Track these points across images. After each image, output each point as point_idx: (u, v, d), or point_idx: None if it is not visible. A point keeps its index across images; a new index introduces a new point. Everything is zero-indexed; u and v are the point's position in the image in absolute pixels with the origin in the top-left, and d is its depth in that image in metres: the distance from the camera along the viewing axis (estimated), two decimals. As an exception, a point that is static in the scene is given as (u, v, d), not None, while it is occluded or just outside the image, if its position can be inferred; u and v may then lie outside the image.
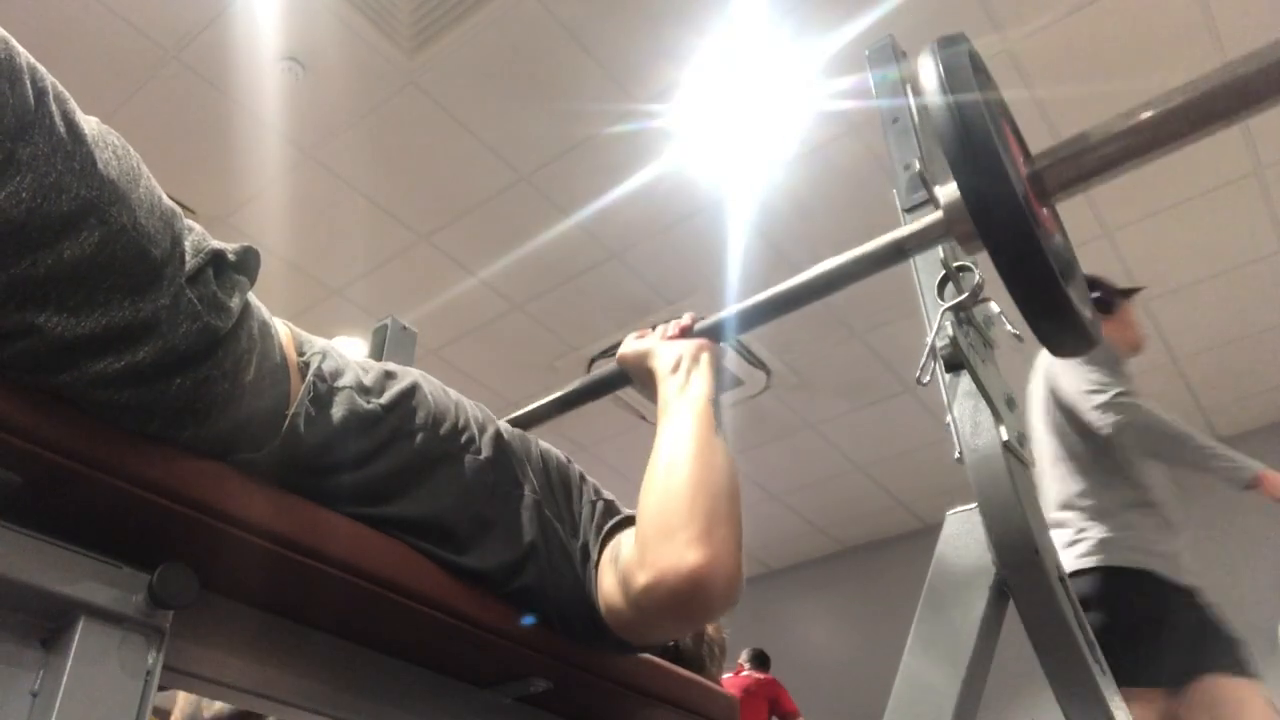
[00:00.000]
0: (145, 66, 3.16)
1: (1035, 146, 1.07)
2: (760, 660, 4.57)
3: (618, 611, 0.88)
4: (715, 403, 0.97)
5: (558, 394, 1.33)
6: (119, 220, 0.67)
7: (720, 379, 1.03)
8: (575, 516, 1.01)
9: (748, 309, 1.13)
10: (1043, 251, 0.87)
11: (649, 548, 0.81)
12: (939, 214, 1.01)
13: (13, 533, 0.64)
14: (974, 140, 0.87)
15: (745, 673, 4.45)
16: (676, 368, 1.02)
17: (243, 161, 3.51)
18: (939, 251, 1.18)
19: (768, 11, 2.99)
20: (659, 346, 1.08)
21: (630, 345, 1.13)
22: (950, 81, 0.90)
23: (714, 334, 1.12)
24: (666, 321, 1.15)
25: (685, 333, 1.12)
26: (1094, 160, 0.99)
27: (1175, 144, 0.94)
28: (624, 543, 0.92)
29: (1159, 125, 0.96)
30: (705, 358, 1.04)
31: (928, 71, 0.93)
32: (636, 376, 1.13)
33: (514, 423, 1.29)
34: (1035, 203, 0.94)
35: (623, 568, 0.87)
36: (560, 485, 1.03)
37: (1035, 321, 0.92)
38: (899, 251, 1.06)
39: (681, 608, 0.79)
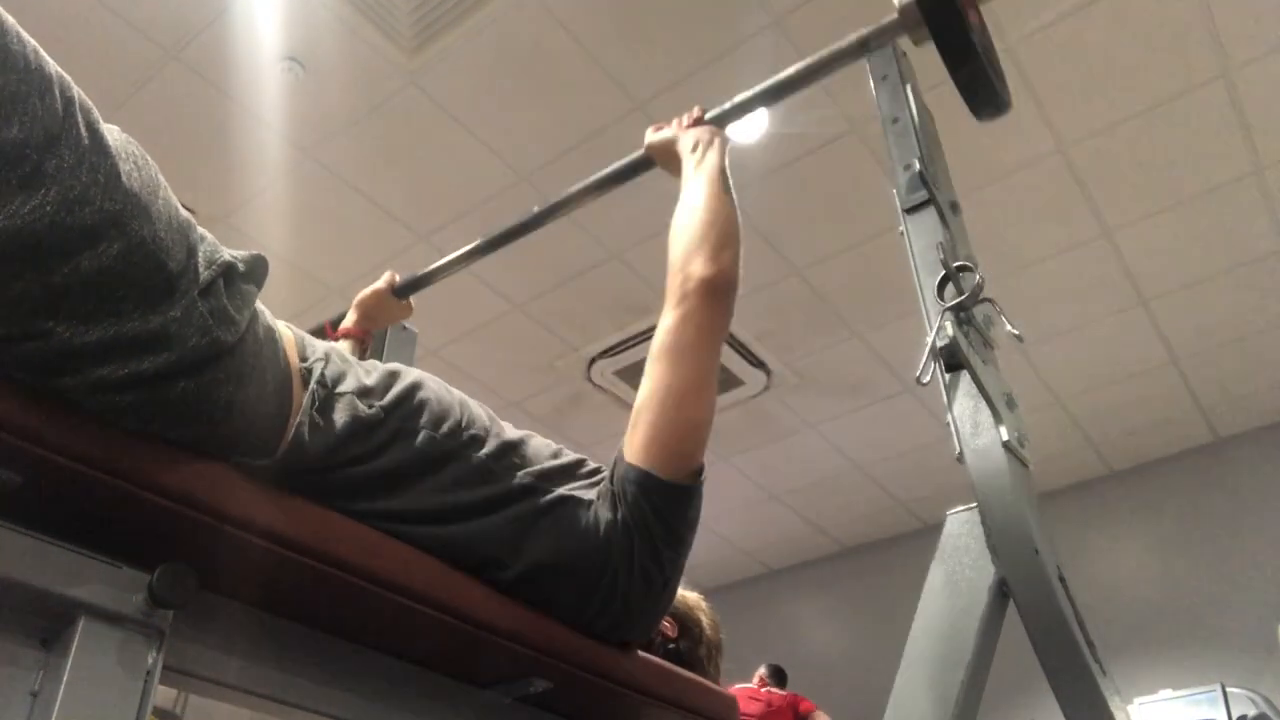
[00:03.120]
0: (145, 66, 3.16)
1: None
2: (779, 677, 4.52)
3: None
4: (725, 173, 1.21)
5: (590, 179, 1.54)
6: (139, 233, 0.67)
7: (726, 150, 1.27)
8: (589, 475, 1.03)
9: (741, 101, 1.35)
10: (969, 33, 1.18)
11: (684, 263, 1.07)
12: (894, 14, 1.24)
13: (13, 533, 0.64)
14: None
15: (766, 689, 4.38)
16: (695, 147, 1.26)
17: (243, 161, 3.51)
18: (939, 252, 1.18)
19: (768, 11, 2.99)
20: (680, 133, 1.31)
21: (654, 135, 1.36)
22: None
23: (720, 121, 1.34)
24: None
25: (697, 122, 1.34)
26: None
27: None
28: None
29: None
30: (718, 140, 1.27)
31: None
32: (661, 160, 1.36)
33: (549, 208, 1.61)
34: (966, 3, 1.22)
35: (670, 295, 1.07)
36: (563, 472, 1.04)
37: (963, 87, 1.22)
38: (861, 45, 1.29)
39: (714, 293, 1.05)
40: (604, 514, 0.96)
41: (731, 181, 1.21)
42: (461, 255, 1.71)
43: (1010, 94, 1.31)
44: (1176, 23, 3.02)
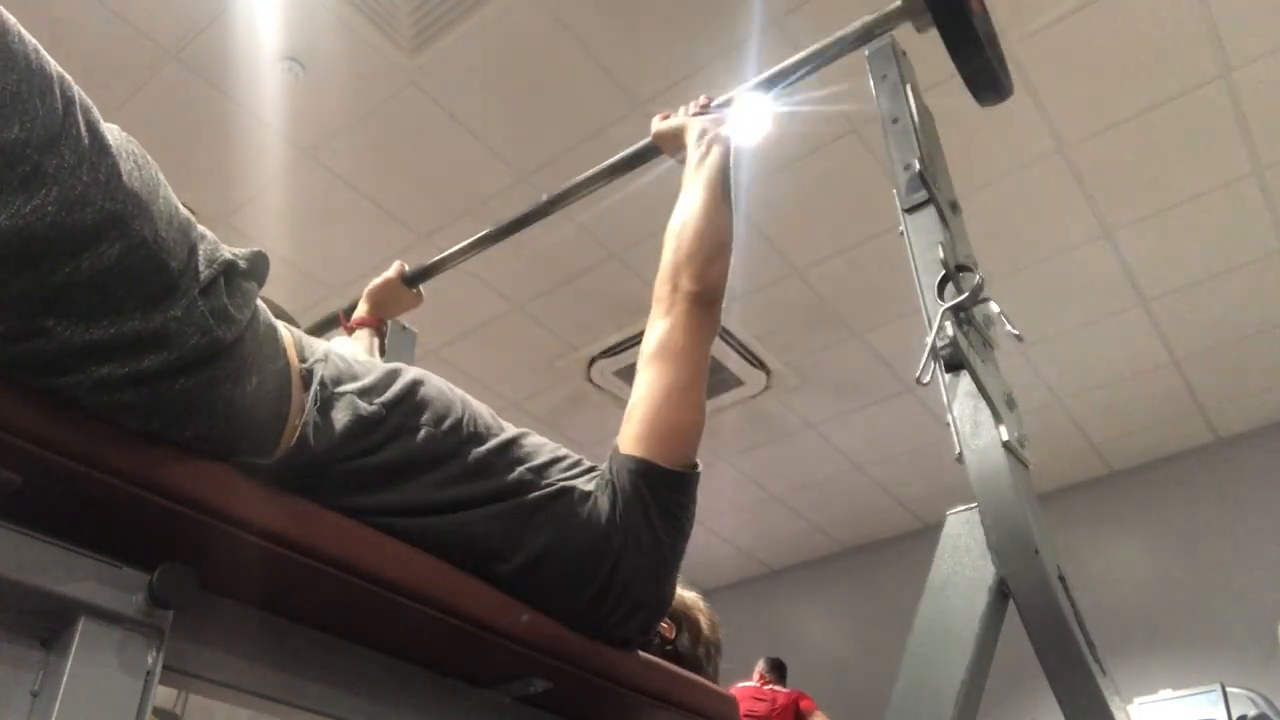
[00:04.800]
0: (145, 66, 3.16)
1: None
2: (778, 669, 4.49)
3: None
4: (726, 170, 1.25)
5: (599, 167, 1.56)
6: (140, 233, 0.67)
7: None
8: (587, 470, 1.04)
9: (747, 87, 1.40)
10: (971, 19, 1.21)
11: (674, 272, 1.12)
12: (897, 1, 1.28)
13: (13, 533, 0.64)
14: None
15: (769, 686, 4.35)
16: (701, 138, 1.30)
17: (243, 161, 3.51)
18: (939, 251, 1.18)
19: (768, 11, 2.99)
20: (688, 121, 1.36)
21: (661, 123, 1.42)
22: None
23: (726, 107, 1.39)
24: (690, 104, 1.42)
25: (704, 109, 1.38)
26: None
27: None
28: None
29: None
30: (724, 130, 1.32)
31: None
32: (668, 147, 1.42)
33: (559, 196, 1.64)
34: None
35: (658, 301, 1.11)
36: (561, 466, 1.04)
37: (965, 73, 1.27)
38: (866, 32, 1.34)
39: (702, 304, 1.10)
40: (603, 504, 0.97)
41: (731, 179, 1.25)
42: (471, 243, 1.76)
43: (1011, 80, 1.34)
44: (1176, 23, 3.02)
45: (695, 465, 1.04)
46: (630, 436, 1.02)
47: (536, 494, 0.96)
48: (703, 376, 1.09)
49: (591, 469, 1.05)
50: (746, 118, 1.47)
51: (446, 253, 1.79)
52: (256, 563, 0.77)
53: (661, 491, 0.99)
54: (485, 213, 3.73)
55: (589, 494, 0.98)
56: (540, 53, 3.14)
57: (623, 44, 3.12)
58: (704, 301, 1.10)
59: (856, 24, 1.34)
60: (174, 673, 0.76)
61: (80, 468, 0.66)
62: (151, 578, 0.68)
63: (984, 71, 1.27)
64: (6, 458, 0.63)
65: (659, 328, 1.09)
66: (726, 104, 1.40)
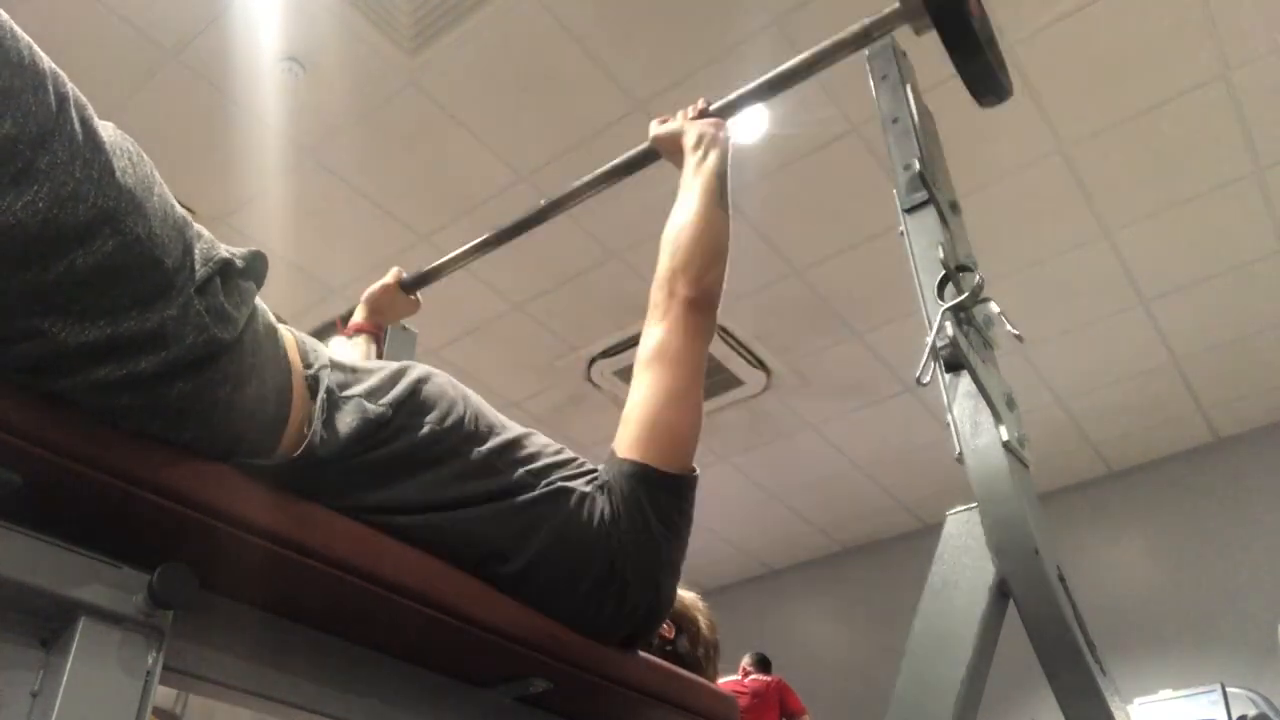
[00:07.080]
0: (145, 66, 3.16)
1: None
2: (763, 664, 4.54)
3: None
4: (723, 175, 1.25)
5: (597, 172, 1.56)
6: (134, 230, 0.67)
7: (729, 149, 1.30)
8: (587, 473, 1.04)
9: (745, 92, 1.40)
10: (970, 22, 1.23)
11: (670, 278, 1.12)
12: (895, 4, 1.29)
13: (13, 533, 0.64)
14: None
15: (751, 676, 4.40)
16: (699, 143, 1.29)
17: (243, 161, 3.51)
18: (939, 252, 1.18)
19: (767, 10, 2.99)
20: (686, 125, 1.34)
21: (659, 128, 1.39)
22: None
23: (724, 112, 1.39)
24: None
25: (702, 114, 1.37)
26: None
27: None
28: None
29: None
30: (721, 135, 1.30)
31: None
32: (666, 152, 1.38)
33: (557, 201, 1.64)
34: None
35: (655, 306, 1.12)
36: (561, 466, 1.05)
37: (964, 74, 1.28)
38: (864, 34, 1.33)
39: (697, 310, 1.11)
40: (601, 506, 0.98)
41: (729, 183, 1.25)
42: (469, 250, 1.75)
43: (1011, 81, 1.35)
44: (1176, 23, 3.02)
45: (693, 469, 1.05)
46: (627, 440, 1.03)
47: (534, 494, 0.96)
48: (699, 380, 1.09)
49: (591, 471, 1.05)
50: (745, 121, 1.45)
51: (444, 259, 1.78)
52: (257, 563, 0.77)
53: (659, 495, 0.99)
54: (485, 213, 3.73)
55: (586, 495, 0.98)
56: (540, 53, 3.14)
57: (623, 44, 3.12)
58: (700, 306, 1.11)
59: (855, 27, 1.34)
60: (174, 673, 0.76)
61: (80, 468, 0.66)
62: (151, 578, 0.68)
63: (983, 73, 1.29)
64: (6, 458, 0.63)
65: (655, 332, 1.10)
66: (725, 108, 1.39)
